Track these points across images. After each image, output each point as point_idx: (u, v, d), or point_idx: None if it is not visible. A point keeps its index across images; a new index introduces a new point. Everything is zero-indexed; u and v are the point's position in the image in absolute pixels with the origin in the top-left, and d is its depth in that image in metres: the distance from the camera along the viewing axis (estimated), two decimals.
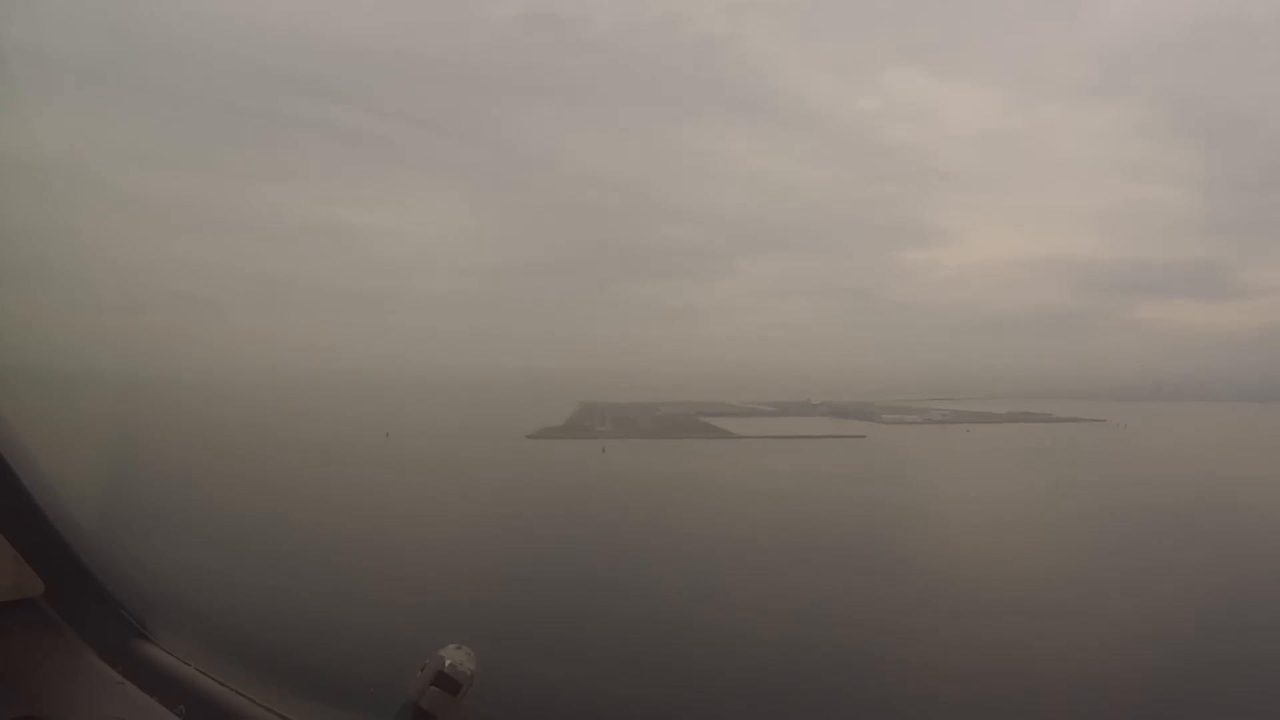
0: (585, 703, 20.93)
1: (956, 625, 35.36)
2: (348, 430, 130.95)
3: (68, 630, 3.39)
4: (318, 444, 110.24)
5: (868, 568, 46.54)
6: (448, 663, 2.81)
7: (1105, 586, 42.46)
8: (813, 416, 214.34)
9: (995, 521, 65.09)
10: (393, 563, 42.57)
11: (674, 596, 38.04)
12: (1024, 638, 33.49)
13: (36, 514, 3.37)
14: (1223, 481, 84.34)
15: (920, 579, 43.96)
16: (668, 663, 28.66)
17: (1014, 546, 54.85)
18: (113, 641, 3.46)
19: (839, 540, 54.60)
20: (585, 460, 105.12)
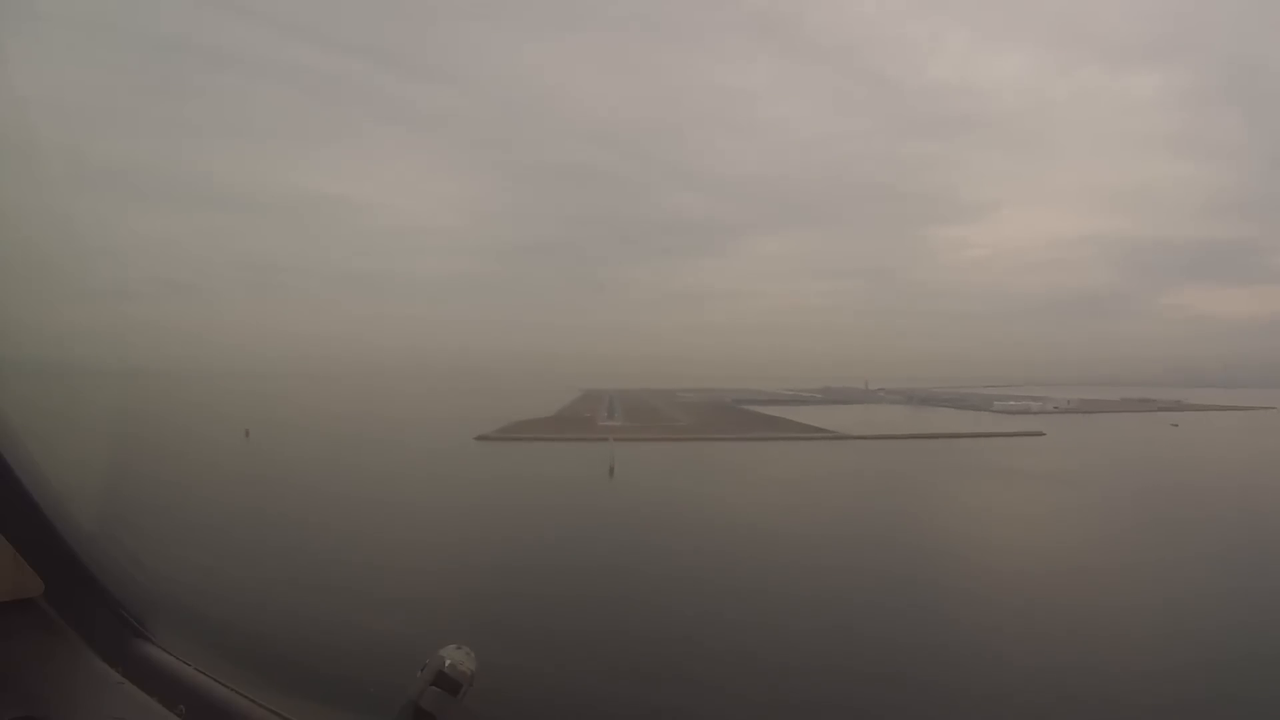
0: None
1: None
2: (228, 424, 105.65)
3: (68, 630, 3.39)
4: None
5: None
6: (448, 663, 2.81)
7: None
8: (879, 404, 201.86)
9: None
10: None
11: None
12: None
13: (36, 514, 3.37)
14: None
15: None
16: None
17: None
18: (113, 641, 3.47)
19: None
20: (562, 489, 64.29)
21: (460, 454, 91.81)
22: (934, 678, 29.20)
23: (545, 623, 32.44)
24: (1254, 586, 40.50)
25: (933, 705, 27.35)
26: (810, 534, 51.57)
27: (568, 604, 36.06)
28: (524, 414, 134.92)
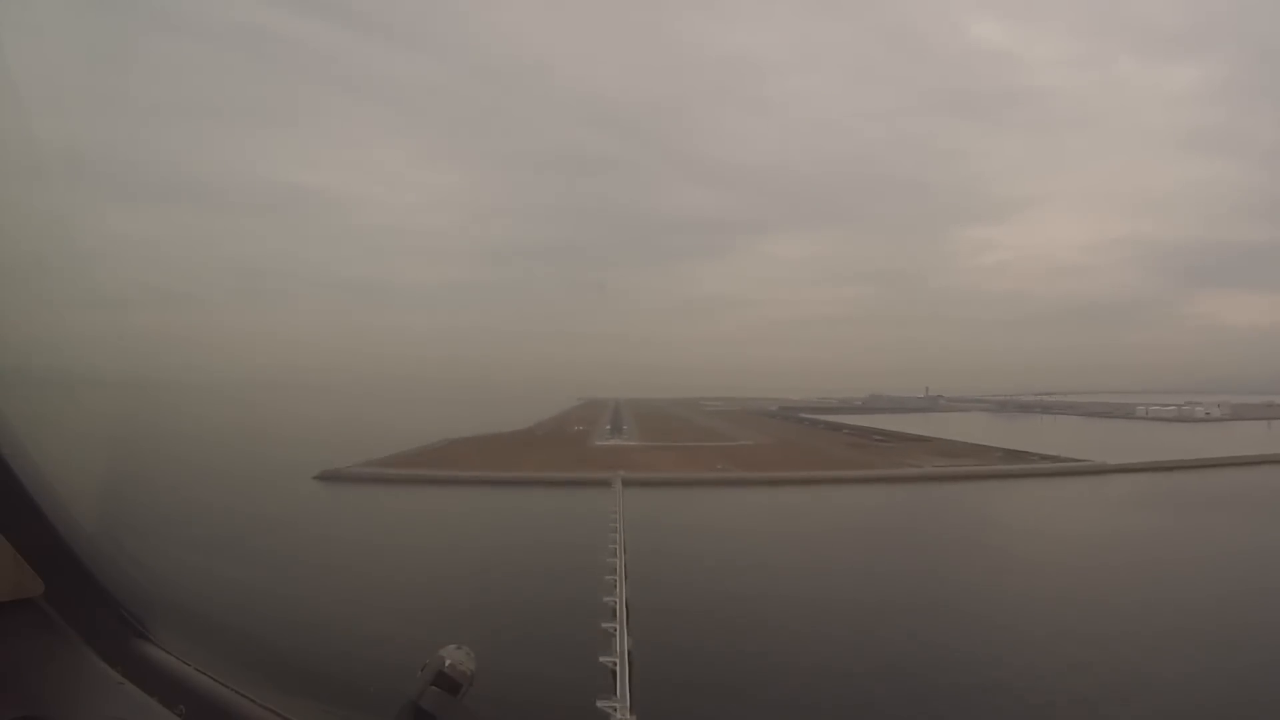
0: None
1: None
2: None
3: (68, 630, 3.39)
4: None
5: None
6: (448, 663, 2.85)
7: None
8: (967, 414, 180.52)
9: None
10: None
11: None
12: None
13: (36, 514, 3.37)
14: None
15: None
16: None
17: None
18: (113, 641, 3.47)
19: None
20: None
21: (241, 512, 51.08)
22: None
23: None
24: None
25: None
26: None
27: None
28: (481, 428, 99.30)
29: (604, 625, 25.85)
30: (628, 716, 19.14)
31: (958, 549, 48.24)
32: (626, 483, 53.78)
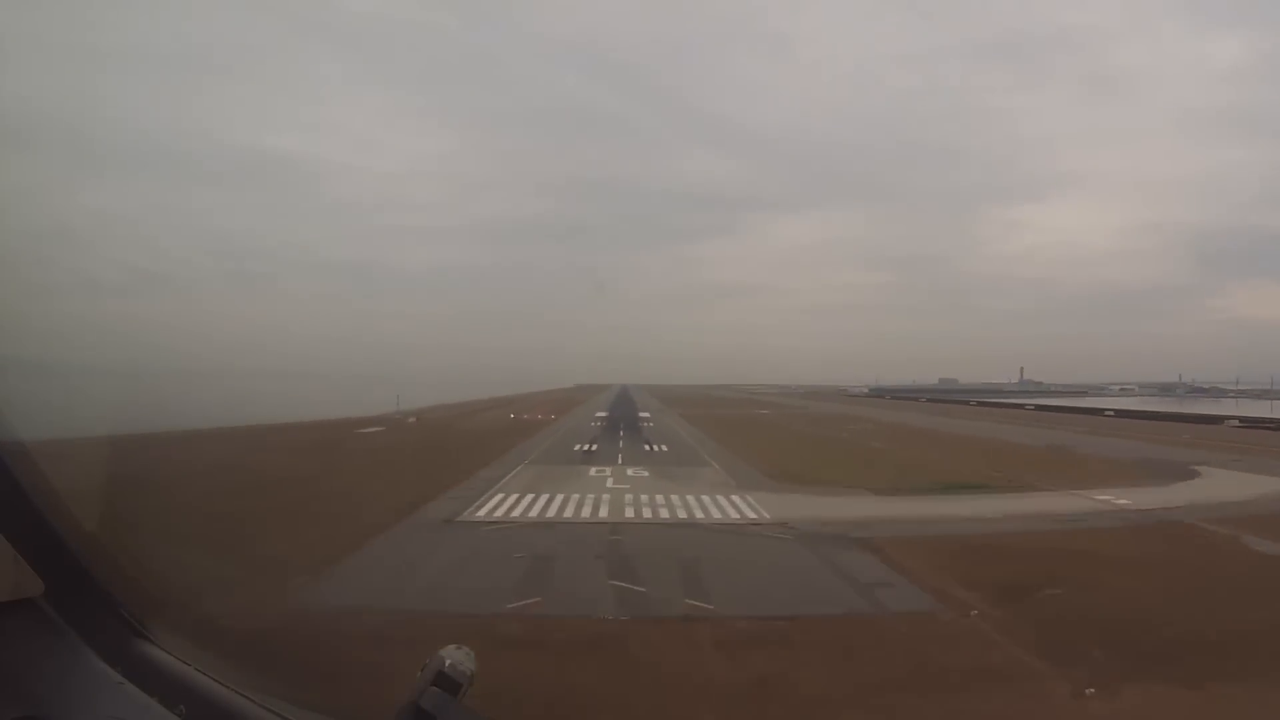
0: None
1: None
2: None
3: (68, 631, 3.39)
4: None
5: None
6: (448, 663, 2.84)
7: None
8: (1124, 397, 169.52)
9: None
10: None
11: None
12: None
13: (36, 514, 3.37)
14: None
15: None
16: None
17: None
18: (113, 642, 3.46)
19: None
20: None
21: None
22: None
23: None
24: None
25: None
26: None
27: None
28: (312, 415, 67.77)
29: None
30: None
31: None
32: None
